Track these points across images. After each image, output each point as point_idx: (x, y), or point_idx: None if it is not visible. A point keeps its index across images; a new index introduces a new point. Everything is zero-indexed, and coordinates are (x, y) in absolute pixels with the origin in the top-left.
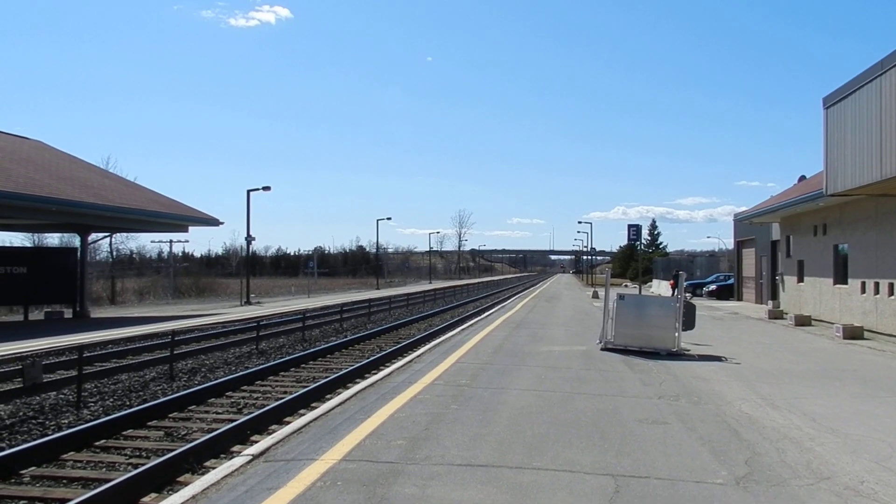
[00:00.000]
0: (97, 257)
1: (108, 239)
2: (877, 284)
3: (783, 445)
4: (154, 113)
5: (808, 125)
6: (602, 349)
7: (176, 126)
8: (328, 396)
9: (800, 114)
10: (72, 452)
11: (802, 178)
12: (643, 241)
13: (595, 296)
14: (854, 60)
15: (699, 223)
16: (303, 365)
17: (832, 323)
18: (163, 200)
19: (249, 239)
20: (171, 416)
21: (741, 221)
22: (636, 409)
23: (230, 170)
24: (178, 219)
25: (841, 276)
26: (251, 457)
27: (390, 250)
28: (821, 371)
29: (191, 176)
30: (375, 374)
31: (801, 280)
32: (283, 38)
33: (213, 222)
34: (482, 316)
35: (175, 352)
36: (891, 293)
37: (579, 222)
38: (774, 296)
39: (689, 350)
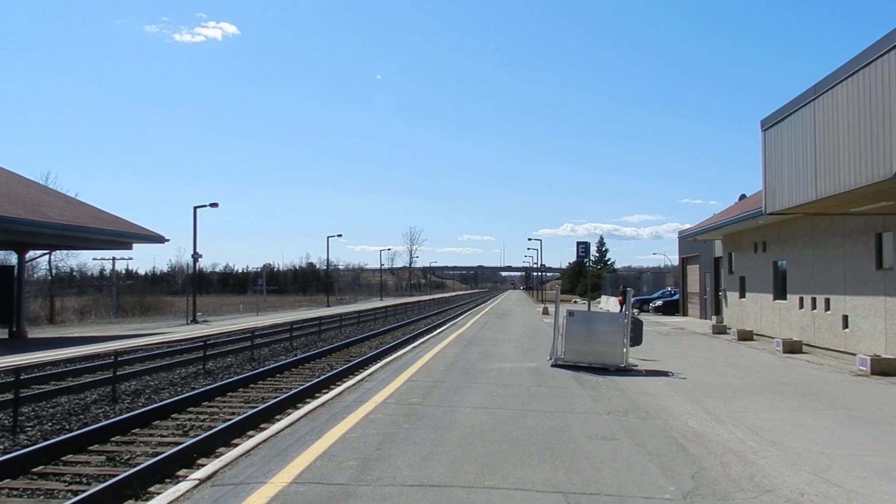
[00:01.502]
0: (35, 275)
1: (46, 256)
2: (814, 300)
3: (728, 459)
4: (97, 128)
5: (749, 145)
6: (552, 365)
7: (120, 141)
8: (277, 417)
9: (742, 133)
10: (7, 480)
11: (743, 196)
12: (591, 257)
13: (545, 312)
14: (795, 81)
15: (645, 240)
16: (251, 385)
17: (773, 337)
18: (105, 217)
19: (196, 256)
20: (113, 440)
21: (685, 238)
22: (586, 426)
23: (177, 186)
24: (121, 236)
25: (780, 292)
26: (198, 481)
27: (341, 267)
28: (762, 385)
29: (136, 192)
30: (326, 393)
31: (742, 296)
32: (231, 53)
33: (158, 239)
34: (434, 333)
35: (118, 373)
36: (827, 308)
37: (529, 239)
38: (718, 311)
39: (636, 365)
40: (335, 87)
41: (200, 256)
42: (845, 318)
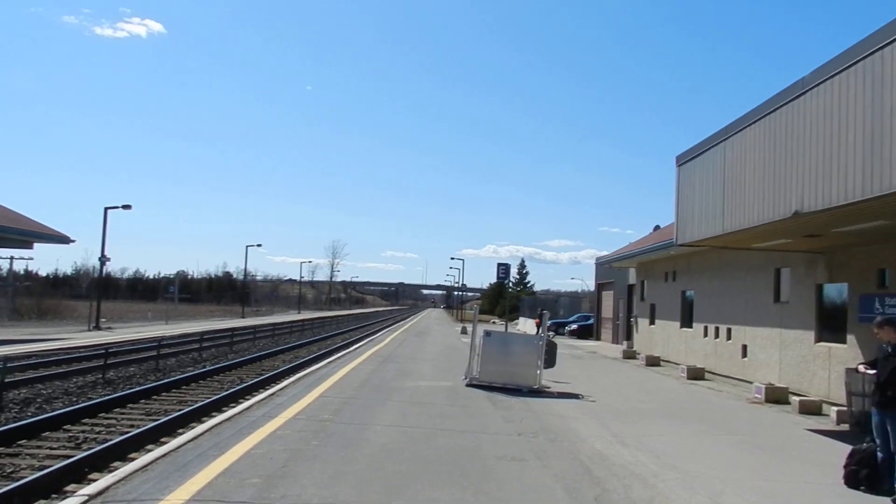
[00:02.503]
0: None
1: None
2: (717, 329)
3: (630, 482)
4: (2, 119)
5: (667, 176)
6: (467, 385)
7: (28, 136)
8: (180, 431)
9: (661, 164)
10: None
11: (657, 227)
12: (512, 279)
13: (464, 331)
14: (718, 113)
15: (565, 265)
16: (154, 396)
17: (679, 364)
18: (4, 213)
19: (103, 259)
20: None
21: (602, 265)
22: (497, 446)
23: (88, 186)
24: (21, 234)
25: (687, 320)
26: (87, 497)
27: (259, 278)
28: (666, 410)
29: (44, 191)
30: (234, 407)
31: (652, 322)
32: (155, 52)
33: (63, 239)
34: (350, 349)
35: (6, 379)
36: (728, 338)
37: (452, 258)
38: (629, 336)
39: (549, 387)
40: (262, 93)
41: (108, 260)
42: (745, 347)
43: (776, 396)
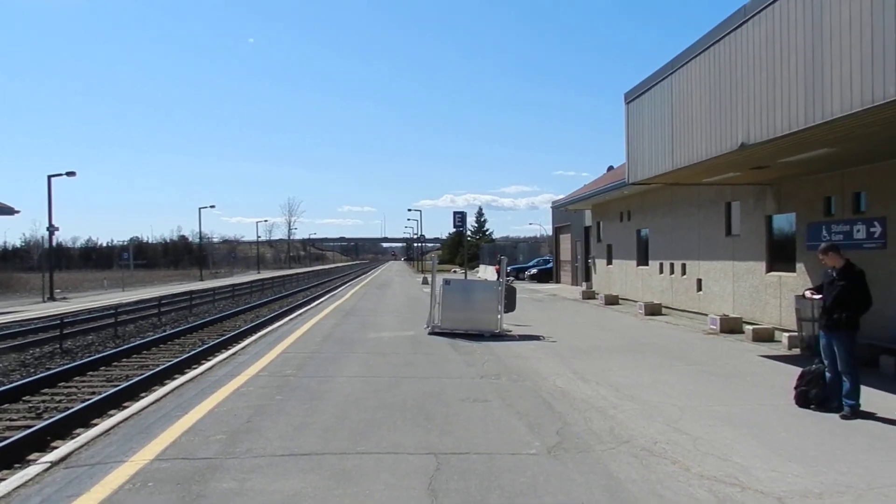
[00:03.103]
0: None
1: None
2: (672, 265)
3: (590, 415)
4: None
5: (619, 115)
6: (430, 333)
7: None
8: (142, 395)
9: (614, 103)
10: None
11: (611, 168)
12: (470, 227)
13: (425, 282)
14: (667, 48)
15: (522, 211)
16: (115, 363)
17: (636, 301)
18: None
19: (52, 229)
20: None
21: (558, 209)
22: (460, 390)
23: (31, 155)
24: None
25: (643, 258)
26: (49, 464)
27: (216, 240)
28: (625, 346)
29: None
30: (196, 368)
31: (609, 262)
32: (95, 12)
33: (8, 211)
34: (312, 305)
35: None
36: (683, 273)
37: (409, 210)
38: (588, 278)
39: (510, 331)
40: (203, 49)
41: (57, 229)
42: (699, 281)
43: (731, 327)
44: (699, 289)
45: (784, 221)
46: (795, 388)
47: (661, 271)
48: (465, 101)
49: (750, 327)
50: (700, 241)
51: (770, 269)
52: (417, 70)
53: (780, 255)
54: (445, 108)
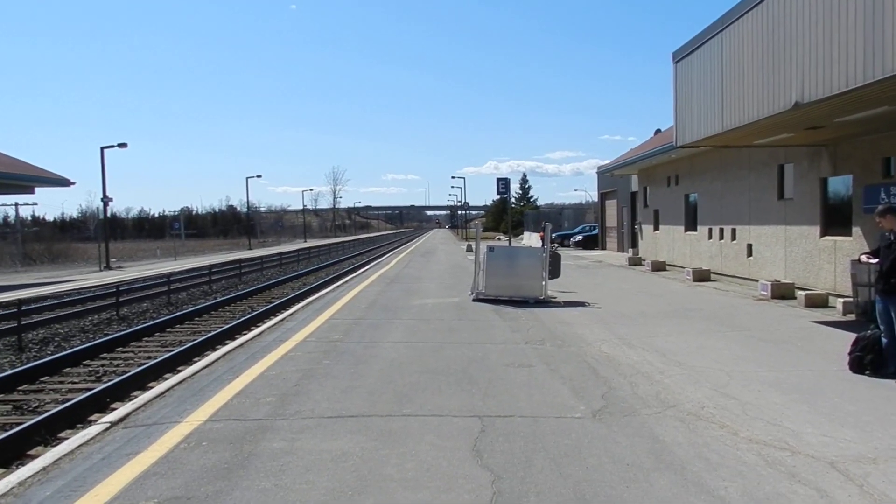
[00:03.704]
0: None
1: None
2: (721, 230)
3: (636, 380)
4: None
5: (668, 76)
6: (474, 300)
7: (18, 78)
8: (195, 359)
9: (661, 64)
10: None
11: (658, 131)
12: (515, 194)
13: (469, 249)
14: (715, 6)
15: (567, 176)
16: (168, 329)
17: (684, 267)
18: (1, 159)
19: (106, 200)
20: (20, 388)
21: (604, 174)
22: (504, 355)
23: (84, 127)
24: (21, 178)
25: (691, 224)
26: (109, 424)
27: (263, 209)
28: (672, 311)
29: (40, 134)
30: (246, 334)
31: (657, 228)
32: None
33: (63, 182)
34: (357, 273)
35: (24, 321)
36: (733, 238)
37: (453, 177)
38: (634, 244)
39: (555, 297)
40: (247, 16)
41: (111, 200)
42: (749, 246)
43: (782, 292)
44: (749, 254)
45: (840, 184)
46: (850, 353)
47: (710, 236)
48: (510, 64)
49: (802, 293)
50: (751, 205)
51: (824, 233)
52: (461, 33)
53: (835, 218)
54: (489, 72)
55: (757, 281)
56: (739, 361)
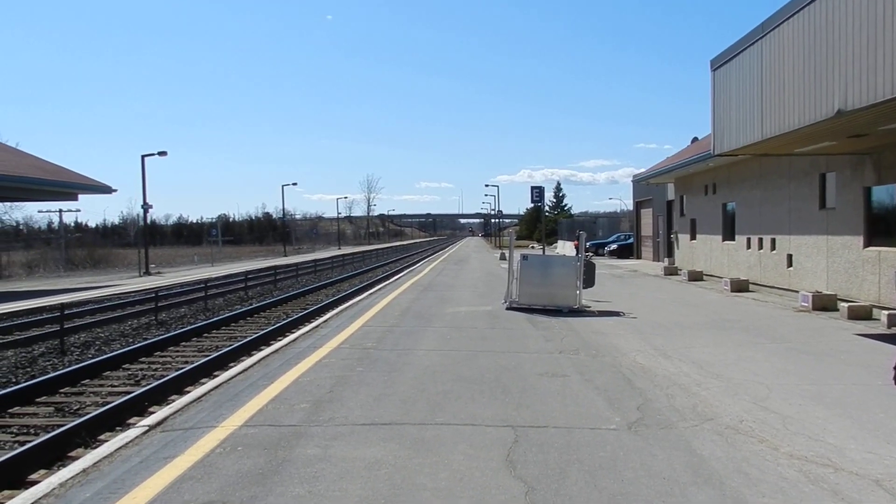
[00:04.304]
0: None
1: None
2: (760, 240)
3: (672, 391)
4: (36, 74)
5: (705, 83)
6: (507, 308)
7: (62, 87)
8: (231, 364)
9: (699, 72)
10: None
11: (695, 139)
12: (548, 203)
13: (502, 258)
14: (755, 13)
15: (602, 185)
16: (205, 334)
17: (721, 277)
18: (47, 167)
19: (146, 207)
20: (62, 391)
21: (639, 182)
22: (537, 364)
23: (126, 133)
24: (66, 186)
25: (729, 233)
26: (147, 427)
27: (298, 217)
28: (709, 322)
29: (83, 143)
30: (281, 340)
31: (693, 237)
32: None
33: (105, 189)
34: (390, 280)
35: (67, 325)
36: (772, 248)
37: (486, 185)
38: (670, 253)
39: (589, 307)
40: (283, 26)
41: (150, 207)
42: (790, 256)
43: (824, 304)
44: (789, 264)
45: (884, 193)
46: (895, 367)
47: (749, 246)
48: (543, 72)
49: (845, 304)
50: (791, 215)
51: (868, 243)
52: (495, 41)
53: (879, 228)
54: (523, 80)
55: (797, 292)
56: (779, 374)
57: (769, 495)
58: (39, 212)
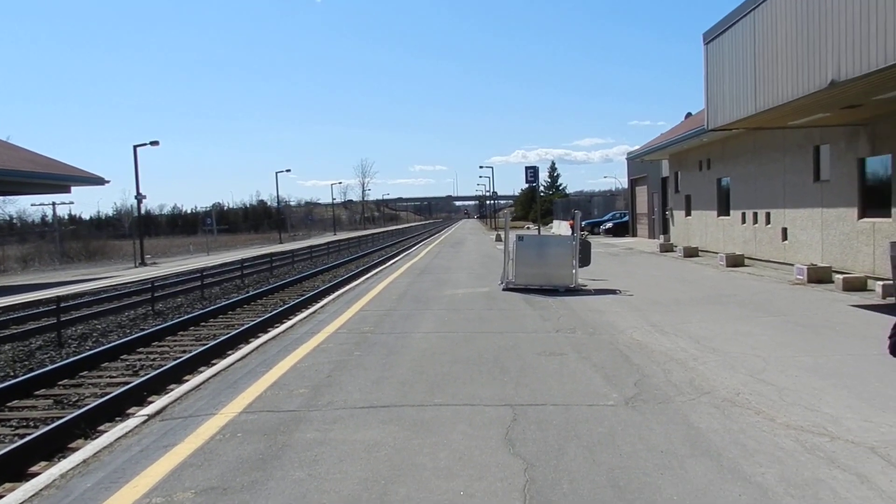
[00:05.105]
0: None
1: None
2: (755, 214)
3: (669, 367)
4: (24, 66)
5: (698, 59)
6: (504, 289)
7: (51, 80)
8: (229, 352)
9: (691, 47)
10: None
11: (689, 115)
12: (543, 183)
13: (498, 239)
14: None
15: (596, 164)
16: (202, 323)
17: (717, 253)
18: (39, 160)
19: (140, 197)
20: (60, 383)
21: (634, 160)
22: (535, 344)
23: (117, 124)
24: (58, 178)
25: (724, 209)
26: (146, 417)
27: (292, 203)
28: (705, 297)
29: (74, 135)
30: (278, 327)
31: (688, 214)
32: None
33: (98, 181)
34: (387, 264)
35: (63, 318)
36: (767, 222)
37: (481, 167)
38: (665, 230)
39: (586, 285)
40: (273, 10)
41: (144, 197)
42: (784, 230)
43: (819, 276)
44: (784, 238)
45: (878, 164)
46: (890, 337)
47: (744, 221)
48: (536, 51)
49: (840, 276)
50: (786, 188)
51: (863, 215)
52: (486, 20)
53: (873, 200)
54: (515, 60)
55: (792, 265)
56: (776, 347)
57: (766, 465)
58: (33, 205)
